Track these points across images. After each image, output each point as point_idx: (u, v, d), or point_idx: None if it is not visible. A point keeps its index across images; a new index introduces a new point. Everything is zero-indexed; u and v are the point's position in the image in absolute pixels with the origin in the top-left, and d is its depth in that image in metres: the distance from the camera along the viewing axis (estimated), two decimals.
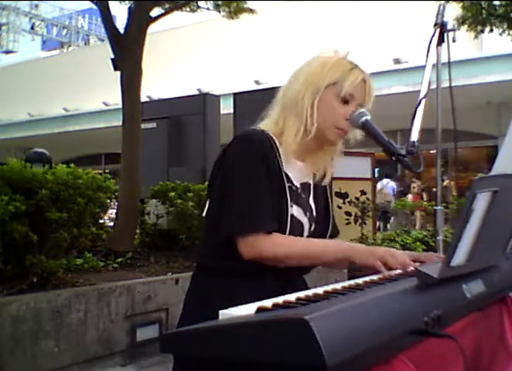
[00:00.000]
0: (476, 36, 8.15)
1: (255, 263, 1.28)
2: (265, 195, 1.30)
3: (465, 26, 7.82)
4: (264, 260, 1.28)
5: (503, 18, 7.76)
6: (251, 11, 6.95)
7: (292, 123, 1.37)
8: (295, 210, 1.38)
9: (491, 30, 7.92)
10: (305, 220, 1.42)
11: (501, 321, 1.26)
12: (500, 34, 7.93)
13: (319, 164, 1.47)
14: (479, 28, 7.91)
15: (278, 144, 1.36)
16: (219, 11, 6.83)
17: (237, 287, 1.26)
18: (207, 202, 1.41)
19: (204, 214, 1.40)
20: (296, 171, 1.41)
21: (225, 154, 1.35)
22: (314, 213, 1.47)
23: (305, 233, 1.43)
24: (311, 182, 1.48)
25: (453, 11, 7.45)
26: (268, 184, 1.31)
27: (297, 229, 1.38)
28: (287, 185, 1.36)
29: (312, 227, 1.45)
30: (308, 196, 1.47)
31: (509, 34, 7.93)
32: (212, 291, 1.33)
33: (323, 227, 1.49)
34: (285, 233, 1.33)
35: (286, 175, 1.37)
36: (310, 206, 1.46)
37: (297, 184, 1.42)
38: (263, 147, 1.32)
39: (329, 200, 1.55)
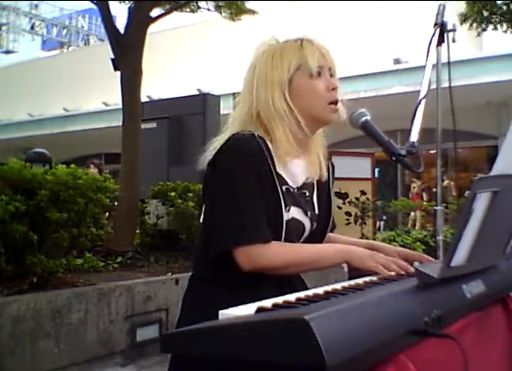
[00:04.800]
0: (478, 34, 8.12)
1: (250, 274, 1.25)
2: (260, 205, 1.26)
3: (468, 24, 7.80)
4: (262, 271, 1.26)
5: (506, 18, 7.75)
6: (253, 12, 6.94)
7: (277, 128, 1.33)
8: (294, 212, 1.35)
9: (495, 28, 7.89)
10: (306, 220, 1.39)
11: (501, 321, 1.26)
12: (505, 31, 7.89)
13: (316, 155, 1.44)
14: (482, 26, 7.89)
15: (270, 146, 1.32)
16: (220, 13, 6.82)
17: (235, 294, 1.23)
18: (203, 208, 1.38)
19: (201, 220, 1.38)
20: (295, 171, 1.39)
21: (215, 162, 1.30)
22: (316, 211, 1.44)
23: (306, 232, 1.40)
24: (315, 177, 1.45)
25: (455, 8, 7.42)
26: (261, 192, 1.27)
27: (296, 231, 1.37)
28: (283, 188, 1.33)
29: (314, 226, 1.42)
30: (312, 193, 1.44)
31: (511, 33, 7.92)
32: (209, 292, 1.32)
33: (324, 224, 1.47)
34: (280, 239, 1.30)
35: (281, 177, 1.34)
36: (313, 204, 1.43)
37: (294, 185, 1.39)
38: (252, 155, 1.27)
39: (331, 196, 1.51)
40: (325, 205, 1.48)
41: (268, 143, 1.32)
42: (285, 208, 1.32)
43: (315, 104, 1.35)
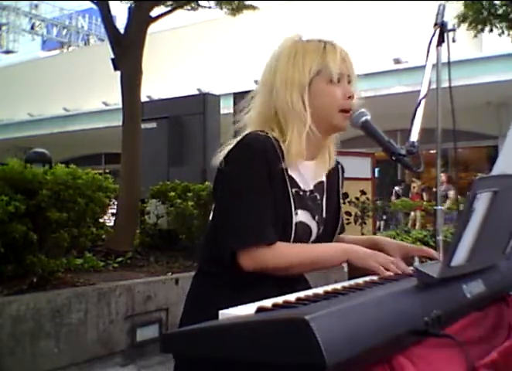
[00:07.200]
0: (475, 35, 8.15)
1: (251, 274, 1.25)
2: (267, 206, 1.26)
3: (466, 25, 7.83)
4: (265, 272, 1.26)
5: (503, 18, 7.77)
6: (254, 8, 6.95)
7: (292, 129, 1.33)
8: (302, 215, 1.35)
9: (491, 30, 7.93)
10: (313, 224, 1.39)
11: (501, 321, 1.26)
12: (500, 34, 7.94)
13: (328, 157, 1.44)
14: (480, 27, 7.91)
15: (283, 147, 1.31)
16: (221, 9, 6.82)
17: (236, 294, 1.23)
18: (213, 207, 1.37)
19: (210, 218, 1.37)
20: (307, 173, 1.38)
21: (226, 160, 1.29)
22: (324, 215, 1.44)
23: (313, 236, 1.40)
24: (324, 180, 1.45)
25: (454, 9, 7.44)
26: (271, 194, 1.27)
27: (303, 234, 1.36)
28: (293, 190, 1.32)
29: (321, 230, 1.42)
30: (322, 196, 1.44)
31: (509, 34, 7.94)
32: (210, 292, 1.32)
33: (332, 228, 1.47)
34: (289, 241, 1.30)
35: (293, 179, 1.34)
36: (321, 208, 1.43)
37: (306, 187, 1.38)
38: (265, 155, 1.27)
39: (340, 200, 1.51)
40: (333, 210, 1.48)
41: (282, 144, 1.32)
42: (294, 211, 1.31)
43: (328, 109, 1.35)
